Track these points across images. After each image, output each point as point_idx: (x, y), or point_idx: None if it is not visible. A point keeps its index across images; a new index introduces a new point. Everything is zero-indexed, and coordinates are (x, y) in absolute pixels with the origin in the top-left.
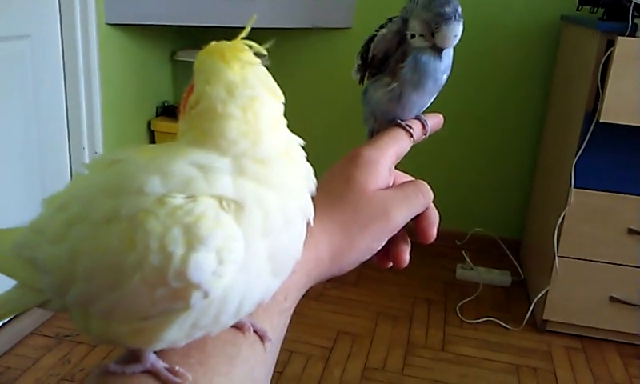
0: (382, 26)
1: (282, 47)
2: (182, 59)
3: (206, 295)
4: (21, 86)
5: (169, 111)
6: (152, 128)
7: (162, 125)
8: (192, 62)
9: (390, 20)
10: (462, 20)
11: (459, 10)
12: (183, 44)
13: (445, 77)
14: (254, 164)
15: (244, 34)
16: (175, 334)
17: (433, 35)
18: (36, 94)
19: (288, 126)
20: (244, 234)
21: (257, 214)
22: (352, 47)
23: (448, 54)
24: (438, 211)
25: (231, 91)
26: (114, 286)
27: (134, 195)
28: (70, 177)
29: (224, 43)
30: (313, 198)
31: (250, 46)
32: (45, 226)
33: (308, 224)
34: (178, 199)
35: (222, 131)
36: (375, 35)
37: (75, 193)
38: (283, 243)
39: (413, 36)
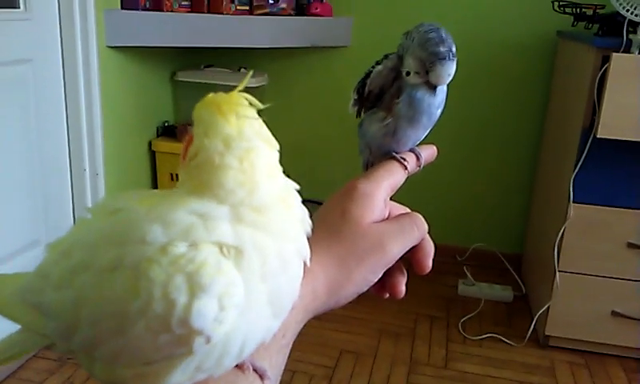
0: (377, 63)
1: (282, 65)
2: (182, 79)
3: (208, 340)
4: (23, 109)
5: (169, 131)
6: (153, 148)
7: (162, 145)
8: (192, 82)
9: (386, 56)
10: (455, 59)
11: (453, 49)
12: (183, 64)
13: (439, 112)
14: (251, 212)
15: (241, 87)
16: (178, 378)
17: (427, 72)
18: (38, 117)
19: (288, 143)
20: (244, 278)
21: (255, 260)
22: (350, 65)
23: (442, 90)
24: (433, 240)
25: (228, 143)
26: (118, 332)
27: (137, 244)
28: (71, 200)
29: (221, 96)
30: (308, 238)
31: (247, 99)
32: (49, 271)
33: (305, 264)
34: (180, 247)
35: (219, 181)
36: (371, 71)
37: (79, 239)
38: (282, 285)
39: (408, 73)
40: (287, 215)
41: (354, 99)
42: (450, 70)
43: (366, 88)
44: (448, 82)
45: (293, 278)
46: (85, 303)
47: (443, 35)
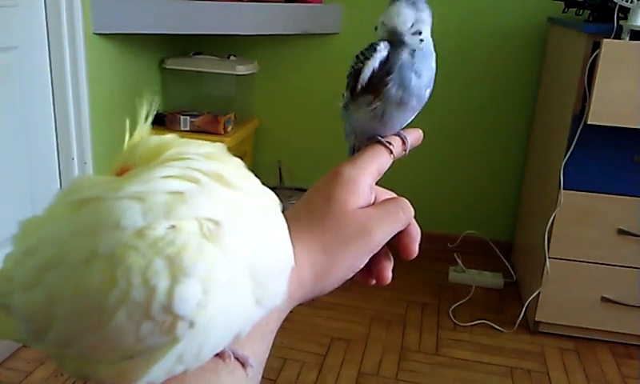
0: (362, 53)
1: (272, 53)
2: (170, 67)
3: (191, 325)
4: (9, 98)
5: (158, 120)
6: None
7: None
8: (181, 70)
9: (375, 48)
10: (413, 8)
11: (417, 2)
12: (172, 52)
13: (428, 92)
14: (215, 180)
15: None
16: (158, 371)
17: None
18: (24, 105)
19: (278, 131)
20: (224, 253)
21: (233, 229)
22: (340, 51)
23: (430, 67)
24: (420, 224)
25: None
26: (96, 326)
27: (112, 231)
28: (59, 188)
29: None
30: (287, 218)
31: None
32: (13, 273)
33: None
34: (159, 230)
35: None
36: (360, 68)
37: (44, 235)
38: (262, 254)
39: (376, 28)
40: (259, 186)
41: (347, 98)
42: (400, 11)
43: (359, 85)
44: (400, 27)
45: (274, 242)
46: (58, 300)
47: None
